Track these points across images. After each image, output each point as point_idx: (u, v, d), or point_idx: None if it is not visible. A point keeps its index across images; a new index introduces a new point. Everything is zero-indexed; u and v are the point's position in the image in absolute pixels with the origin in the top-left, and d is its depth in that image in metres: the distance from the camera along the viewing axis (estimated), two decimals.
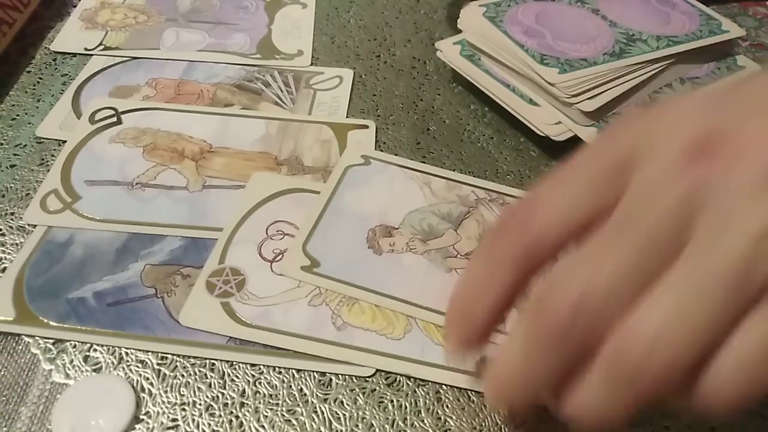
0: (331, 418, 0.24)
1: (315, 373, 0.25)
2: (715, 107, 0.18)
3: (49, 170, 0.32)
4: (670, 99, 0.19)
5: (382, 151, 0.35)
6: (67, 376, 0.25)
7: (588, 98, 0.33)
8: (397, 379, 0.25)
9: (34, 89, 0.37)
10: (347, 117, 0.37)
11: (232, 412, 0.24)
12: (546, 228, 0.18)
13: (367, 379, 0.25)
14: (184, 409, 0.24)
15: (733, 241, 0.15)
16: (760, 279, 0.15)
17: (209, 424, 0.24)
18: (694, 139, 0.17)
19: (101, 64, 0.39)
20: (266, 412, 0.24)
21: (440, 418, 0.25)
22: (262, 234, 0.29)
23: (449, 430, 0.24)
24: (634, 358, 0.16)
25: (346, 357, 0.25)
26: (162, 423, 0.24)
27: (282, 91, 0.38)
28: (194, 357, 0.25)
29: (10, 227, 0.29)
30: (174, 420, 0.24)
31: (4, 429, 0.23)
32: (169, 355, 0.25)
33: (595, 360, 0.17)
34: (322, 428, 0.24)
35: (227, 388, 0.25)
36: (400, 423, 0.24)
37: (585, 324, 0.16)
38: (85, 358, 0.25)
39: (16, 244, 0.29)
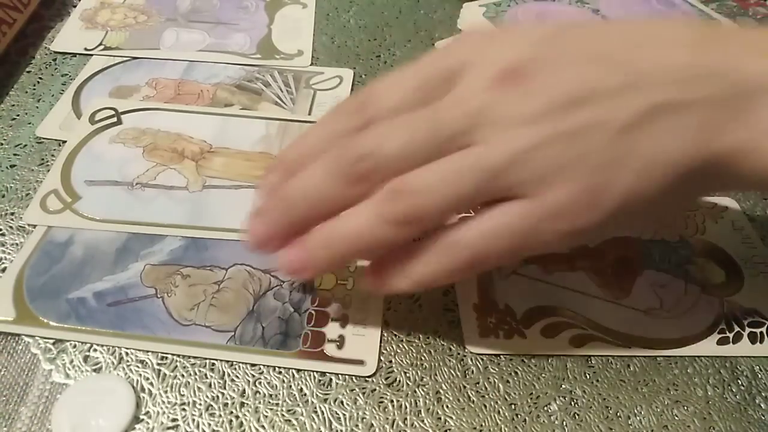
0: (331, 418, 0.24)
1: (315, 373, 0.25)
2: (540, 44, 0.22)
3: (49, 170, 0.32)
4: (512, 24, 0.23)
5: None
6: (67, 376, 0.25)
7: None
8: (397, 379, 0.25)
9: (34, 89, 0.37)
10: None
11: (232, 412, 0.24)
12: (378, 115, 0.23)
13: (367, 379, 0.25)
14: (184, 409, 0.24)
15: (496, 152, 0.21)
16: (504, 184, 0.21)
17: (209, 424, 0.24)
18: (507, 67, 0.21)
19: (101, 64, 0.39)
20: (266, 412, 0.24)
21: (440, 418, 0.25)
22: None
23: (449, 430, 0.24)
24: (402, 192, 0.21)
25: None
26: (162, 423, 0.24)
27: (282, 91, 0.38)
28: (194, 357, 0.25)
29: (10, 227, 0.29)
30: (174, 420, 0.24)
31: (4, 429, 0.23)
32: (169, 355, 0.25)
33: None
34: (322, 428, 0.24)
35: (227, 388, 0.25)
36: (400, 423, 0.24)
37: (370, 167, 0.22)
38: (85, 358, 0.25)
39: (16, 244, 0.29)
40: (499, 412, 0.25)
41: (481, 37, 0.23)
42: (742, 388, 0.27)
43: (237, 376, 0.25)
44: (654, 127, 0.20)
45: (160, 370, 0.25)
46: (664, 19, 0.23)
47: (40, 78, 0.38)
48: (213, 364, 0.25)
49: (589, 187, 0.20)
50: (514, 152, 0.20)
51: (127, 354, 0.25)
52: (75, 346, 0.25)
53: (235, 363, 0.25)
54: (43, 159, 0.33)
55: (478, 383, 0.26)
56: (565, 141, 0.20)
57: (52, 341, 0.25)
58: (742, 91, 0.20)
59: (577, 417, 0.25)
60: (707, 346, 0.28)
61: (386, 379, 0.25)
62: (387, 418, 0.24)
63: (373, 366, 0.26)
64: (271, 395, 0.25)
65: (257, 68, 0.40)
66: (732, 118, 0.20)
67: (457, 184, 0.21)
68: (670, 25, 0.22)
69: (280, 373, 0.25)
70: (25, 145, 0.33)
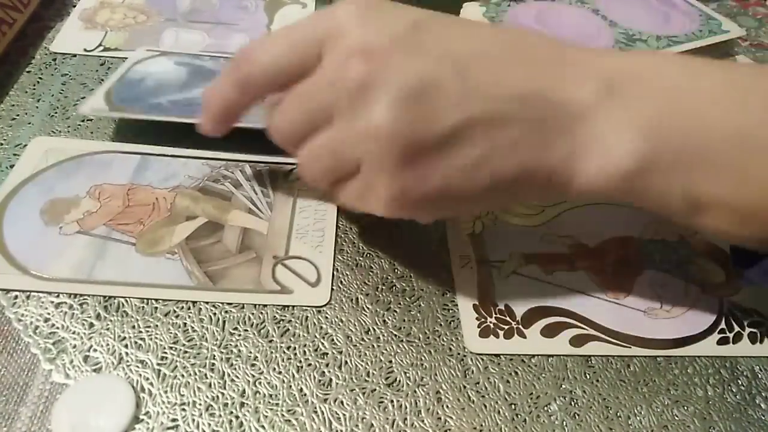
0: (331, 418, 0.24)
1: (315, 373, 0.25)
2: (400, 36, 0.23)
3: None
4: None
5: None
6: (67, 376, 0.25)
7: None
8: (397, 379, 0.25)
9: (34, 89, 0.37)
10: None
11: (232, 412, 0.24)
12: (255, 68, 0.26)
13: (366, 378, 0.25)
14: (184, 409, 0.24)
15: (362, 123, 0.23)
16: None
17: (209, 424, 0.24)
18: (363, 49, 0.23)
19: (30, 170, 0.31)
20: (266, 412, 0.24)
21: (440, 418, 0.25)
22: None
23: (449, 430, 0.24)
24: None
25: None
26: (162, 423, 0.24)
27: (256, 193, 0.32)
28: (194, 357, 0.25)
29: None
30: (174, 420, 0.24)
31: (4, 429, 0.23)
32: (169, 355, 0.25)
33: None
34: (322, 428, 0.24)
35: (227, 388, 0.25)
36: (400, 423, 0.24)
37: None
38: (85, 358, 0.25)
39: None
40: (499, 412, 0.25)
41: (351, 15, 0.25)
42: (742, 388, 0.27)
43: (237, 376, 0.25)
44: (468, 137, 0.23)
45: (160, 370, 0.25)
46: (524, 33, 0.26)
47: (40, 78, 0.38)
48: (213, 364, 0.25)
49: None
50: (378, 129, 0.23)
51: (127, 354, 0.25)
52: (75, 347, 0.25)
53: (234, 363, 0.25)
54: None
55: (478, 383, 0.26)
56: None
57: (51, 341, 0.25)
58: (562, 114, 0.23)
59: (577, 417, 0.25)
60: (707, 346, 0.28)
61: (386, 379, 0.25)
62: (387, 418, 0.24)
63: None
64: (271, 395, 0.25)
65: (223, 164, 0.33)
66: (554, 136, 0.23)
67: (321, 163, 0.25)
68: (524, 41, 0.25)
69: (279, 373, 0.25)
70: (25, 145, 0.33)
